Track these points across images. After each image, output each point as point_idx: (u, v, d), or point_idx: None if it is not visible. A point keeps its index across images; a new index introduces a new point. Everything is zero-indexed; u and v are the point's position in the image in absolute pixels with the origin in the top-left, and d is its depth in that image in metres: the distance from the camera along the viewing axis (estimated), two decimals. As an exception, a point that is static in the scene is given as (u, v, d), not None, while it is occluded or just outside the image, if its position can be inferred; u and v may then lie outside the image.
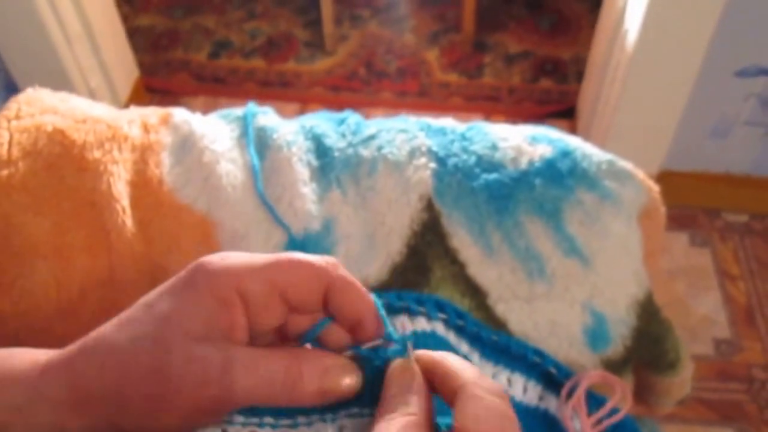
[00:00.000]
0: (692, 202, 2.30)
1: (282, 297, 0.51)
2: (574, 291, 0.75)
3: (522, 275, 0.76)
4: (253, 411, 0.51)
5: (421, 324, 0.67)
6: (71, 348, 0.51)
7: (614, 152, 0.85)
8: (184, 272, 0.51)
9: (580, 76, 2.61)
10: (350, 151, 0.83)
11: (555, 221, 0.78)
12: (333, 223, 0.78)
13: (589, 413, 0.69)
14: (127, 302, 0.52)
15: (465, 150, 0.82)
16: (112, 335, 0.50)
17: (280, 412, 0.52)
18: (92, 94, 2.28)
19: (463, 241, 0.77)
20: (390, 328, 0.53)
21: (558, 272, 0.76)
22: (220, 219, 0.77)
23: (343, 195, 0.80)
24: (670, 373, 0.82)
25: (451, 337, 0.69)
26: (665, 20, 1.83)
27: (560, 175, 0.80)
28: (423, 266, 0.75)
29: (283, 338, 0.55)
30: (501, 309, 0.74)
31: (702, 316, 2.08)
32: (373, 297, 0.54)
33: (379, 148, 0.82)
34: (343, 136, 0.85)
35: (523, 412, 0.69)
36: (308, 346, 0.54)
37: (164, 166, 0.79)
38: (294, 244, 0.75)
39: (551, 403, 0.71)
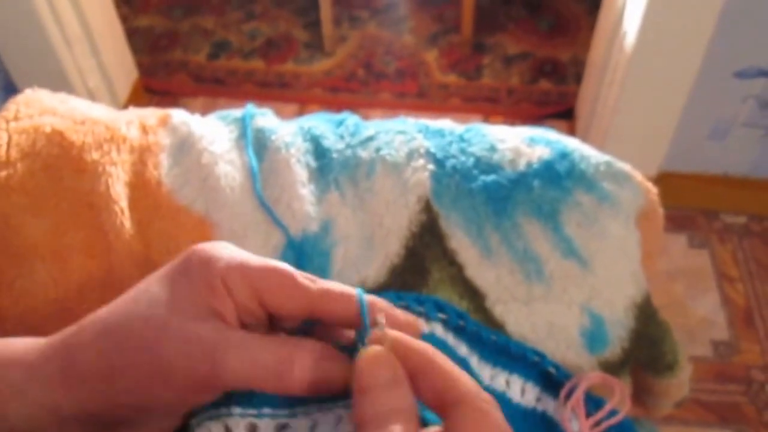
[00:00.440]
0: (691, 203, 2.30)
1: (262, 304, 0.51)
2: (572, 293, 0.76)
3: (520, 277, 0.76)
4: (250, 402, 0.52)
5: (420, 324, 0.67)
6: (67, 330, 0.52)
7: (613, 154, 0.85)
8: (178, 259, 0.52)
9: (579, 77, 2.62)
10: (349, 152, 0.83)
11: (553, 223, 0.78)
12: (331, 225, 0.78)
13: (588, 415, 0.69)
14: (125, 303, 0.53)
15: (463, 151, 0.82)
16: (106, 316, 0.51)
17: (278, 403, 0.52)
18: (91, 95, 2.28)
19: (461, 242, 0.77)
20: (367, 320, 0.52)
21: (556, 274, 0.76)
22: (218, 220, 0.77)
23: (342, 196, 0.80)
24: (668, 375, 0.83)
25: (450, 338, 0.69)
26: (664, 22, 1.83)
27: (558, 176, 0.80)
28: (421, 268, 0.75)
29: (277, 327, 0.55)
30: (499, 311, 0.74)
31: (700, 318, 2.08)
32: (356, 292, 0.54)
33: (378, 150, 0.82)
34: (342, 137, 0.85)
35: (522, 413, 0.69)
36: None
37: (163, 168, 0.79)
38: (292, 245, 0.75)
39: (549, 405, 0.71)
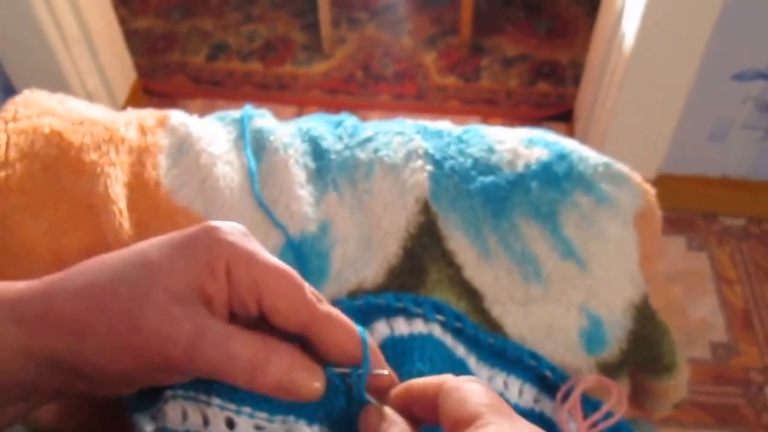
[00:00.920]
0: (689, 205, 2.30)
1: (259, 302, 0.51)
2: (570, 294, 0.76)
3: (518, 278, 0.76)
4: (231, 397, 0.52)
5: (418, 326, 0.67)
6: (53, 276, 0.52)
7: (612, 156, 0.85)
8: (192, 228, 0.52)
9: (577, 79, 2.62)
10: (347, 153, 0.83)
11: (551, 224, 0.78)
12: (329, 226, 0.78)
13: (585, 416, 0.69)
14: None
15: (461, 153, 0.82)
16: (95, 268, 0.51)
17: (258, 404, 0.52)
18: (90, 97, 2.28)
19: (459, 243, 0.77)
20: (367, 364, 0.52)
21: (554, 275, 0.76)
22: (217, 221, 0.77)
23: (340, 197, 0.80)
24: (666, 377, 0.83)
25: (448, 339, 0.69)
26: (662, 24, 1.83)
27: (556, 178, 0.80)
28: (419, 269, 0.75)
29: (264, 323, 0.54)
30: (497, 312, 0.74)
31: (699, 320, 2.08)
32: (360, 332, 0.53)
33: (376, 151, 0.82)
34: (340, 138, 0.85)
35: (519, 414, 0.69)
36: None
37: (161, 169, 0.79)
38: (291, 245, 0.75)
39: (547, 406, 0.71)
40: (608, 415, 0.70)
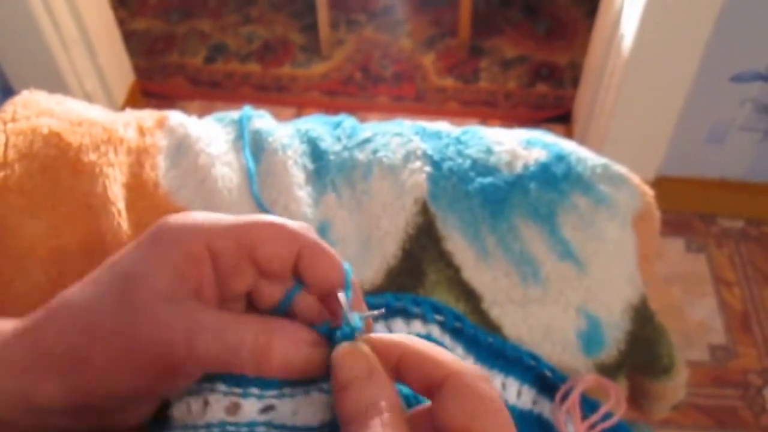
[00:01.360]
0: (688, 207, 2.30)
1: (251, 258, 0.50)
2: (569, 295, 0.76)
3: (516, 279, 0.76)
4: (236, 381, 0.51)
5: (417, 327, 0.67)
6: (35, 313, 0.50)
7: (610, 158, 0.85)
8: (148, 230, 0.50)
9: (576, 81, 2.62)
10: (345, 154, 0.83)
11: (549, 225, 0.78)
12: (328, 227, 0.78)
13: (583, 417, 0.69)
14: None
15: (460, 154, 0.82)
16: (74, 296, 0.50)
17: (266, 383, 0.51)
18: (88, 98, 2.28)
19: (457, 244, 0.77)
20: (346, 308, 0.51)
21: (552, 276, 0.76)
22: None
23: (338, 198, 0.80)
24: (665, 378, 0.83)
25: (447, 340, 0.69)
26: (661, 25, 1.83)
27: (555, 179, 0.80)
28: (418, 270, 0.75)
29: (253, 308, 0.54)
30: (495, 313, 0.74)
31: (698, 322, 2.08)
32: (345, 266, 0.53)
33: (375, 152, 0.82)
34: (339, 139, 0.85)
35: (518, 416, 0.69)
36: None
37: (160, 169, 0.79)
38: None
39: (545, 408, 0.71)
40: (607, 416, 0.70)
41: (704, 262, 2.22)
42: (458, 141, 0.84)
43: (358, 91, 2.72)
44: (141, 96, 2.67)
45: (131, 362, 0.47)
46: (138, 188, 0.77)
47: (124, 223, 0.74)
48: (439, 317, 0.69)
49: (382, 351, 0.48)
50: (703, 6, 1.78)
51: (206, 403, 0.51)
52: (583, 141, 2.06)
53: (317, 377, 0.51)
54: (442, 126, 0.87)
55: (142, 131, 0.82)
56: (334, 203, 0.79)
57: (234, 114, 0.87)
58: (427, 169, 0.80)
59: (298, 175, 0.80)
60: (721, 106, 2.04)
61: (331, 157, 0.82)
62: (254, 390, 0.51)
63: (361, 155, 0.82)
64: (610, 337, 0.76)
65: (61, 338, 0.48)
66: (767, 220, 2.31)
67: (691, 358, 2.00)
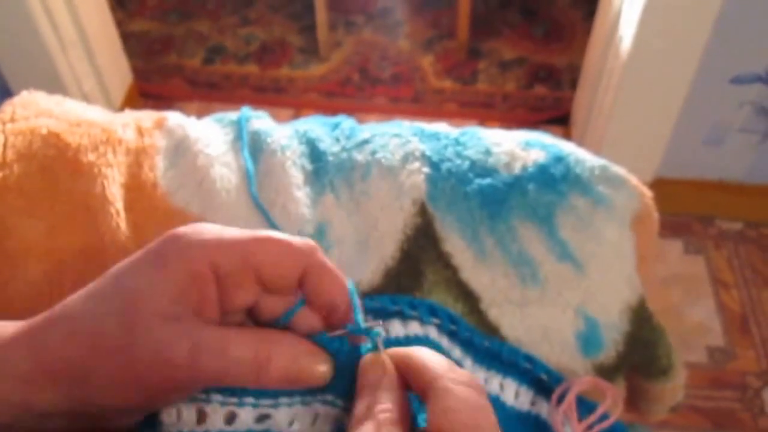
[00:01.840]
0: (686, 209, 2.30)
1: (256, 275, 0.50)
2: (567, 296, 0.76)
3: (515, 280, 0.76)
4: (231, 391, 0.51)
5: (414, 328, 0.67)
6: (35, 320, 0.50)
7: (608, 159, 0.85)
8: (154, 244, 0.51)
9: (574, 83, 2.62)
10: (344, 155, 0.83)
11: (548, 226, 0.78)
12: (326, 227, 0.78)
13: (580, 419, 0.69)
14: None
15: (458, 155, 0.82)
16: (77, 308, 0.50)
17: (261, 392, 0.52)
18: (86, 99, 2.28)
19: (456, 245, 0.77)
20: (359, 318, 0.52)
21: (551, 277, 0.76)
22: (213, 222, 0.76)
23: (337, 199, 0.80)
24: (663, 379, 0.83)
25: (444, 341, 0.69)
26: (660, 27, 1.84)
27: (553, 180, 0.80)
28: (416, 271, 0.75)
29: (255, 321, 0.54)
30: (494, 314, 0.74)
31: (696, 324, 2.08)
32: (348, 284, 0.53)
33: (373, 153, 0.82)
34: (337, 140, 0.85)
35: (515, 417, 0.69)
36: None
37: (158, 170, 0.79)
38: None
39: (543, 409, 0.71)
40: (604, 418, 0.70)
41: (702, 263, 2.22)
42: (457, 142, 0.84)
43: (356, 92, 2.72)
44: (139, 97, 2.67)
45: (132, 379, 0.48)
46: (136, 189, 0.77)
47: (122, 223, 0.74)
48: (435, 320, 0.69)
49: (395, 362, 0.50)
50: (702, 8, 1.79)
51: (201, 412, 0.51)
52: (581, 143, 2.06)
53: (317, 388, 0.51)
54: (441, 127, 0.87)
55: (140, 132, 0.82)
56: (333, 204, 0.79)
57: (233, 115, 0.87)
58: (426, 170, 0.80)
59: (297, 176, 0.80)
60: (719, 108, 2.04)
61: (330, 158, 0.82)
62: (249, 399, 0.52)
63: (359, 156, 0.82)
64: (609, 338, 0.76)
65: (63, 350, 0.48)
66: (766, 222, 2.31)
67: (689, 359, 2.00)
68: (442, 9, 3.02)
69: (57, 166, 0.76)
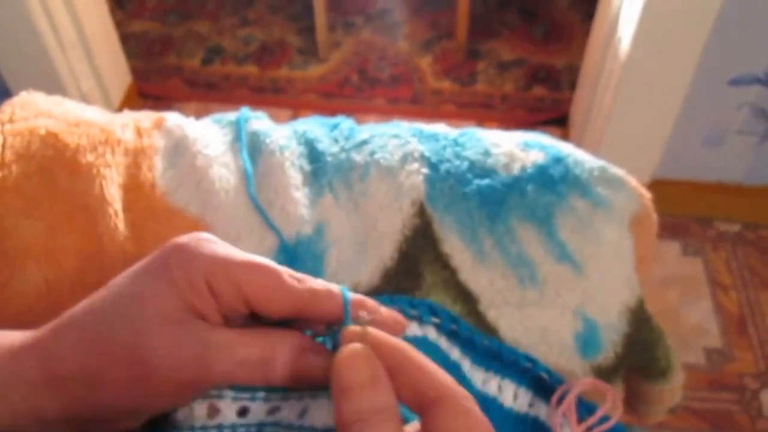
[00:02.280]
0: (685, 211, 2.30)
1: (245, 302, 0.51)
2: (566, 297, 0.76)
3: (513, 281, 0.76)
4: (244, 387, 0.52)
5: (413, 329, 0.67)
6: (44, 328, 0.51)
7: (607, 160, 0.85)
8: (158, 251, 0.51)
9: (573, 84, 2.62)
10: (343, 156, 0.83)
11: (547, 227, 0.78)
12: (325, 228, 0.78)
13: (579, 420, 0.69)
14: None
15: (457, 155, 0.82)
16: (85, 315, 0.50)
17: (272, 387, 0.52)
18: (85, 100, 2.28)
19: (454, 246, 0.77)
20: (349, 320, 0.52)
21: (549, 278, 0.76)
22: (212, 223, 0.76)
23: (336, 199, 0.80)
24: (661, 381, 0.83)
25: (443, 342, 0.69)
26: (658, 28, 1.83)
27: (552, 181, 0.80)
28: (415, 271, 0.75)
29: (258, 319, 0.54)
30: (492, 315, 0.74)
31: (694, 326, 2.08)
32: (341, 289, 0.53)
33: (372, 153, 0.82)
34: (336, 141, 0.85)
35: (514, 418, 0.69)
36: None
37: (157, 170, 0.79)
38: (285, 248, 0.75)
39: (541, 411, 0.71)
40: (603, 420, 0.70)
41: (700, 265, 2.22)
42: (456, 143, 0.84)
43: (355, 93, 2.72)
44: (138, 97, 2.66)
45: (143, 384, 0.48)
46: (135, 189, 0.77)
47: (120, 224, 0.74)
48: (435, 319, 0.69)
49: (383, 351, 0.47)
50: (701, 9, 1.79)
51: (213, 408, 0.52)
52: (579, 144, 2.06)
53: (323, 383, 0.51)
54: (440, 128, 0.87)
55: (139, 132, 0.82)
56: (331, 204, 0.79)
57: (231, 115, 0.87)
58: (425, 170, 0.80)
59: (296, 177, 0.80)
60: (718, 109, 2.04)
61: (329, 159, 0.82)
62: (261, 394, 0.52)
63: (358, 157, 0.82)
64: (607, 339, 0.76)
65: (73, 358, 0.49)
66: (764, 224, 2.31)
67: (686, 361, 2.00)
68: (440, 10, 3.02)
69: (56, 166, 0.76)
